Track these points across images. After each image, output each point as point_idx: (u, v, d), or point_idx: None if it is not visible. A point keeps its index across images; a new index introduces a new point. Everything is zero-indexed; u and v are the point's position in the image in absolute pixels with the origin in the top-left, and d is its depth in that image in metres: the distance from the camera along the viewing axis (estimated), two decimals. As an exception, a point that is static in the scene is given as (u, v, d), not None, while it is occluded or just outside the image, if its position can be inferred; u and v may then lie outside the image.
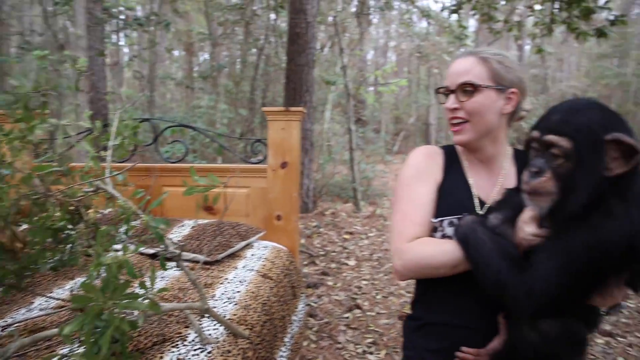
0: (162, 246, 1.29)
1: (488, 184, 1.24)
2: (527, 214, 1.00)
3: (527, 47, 16.41)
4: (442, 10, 5.57)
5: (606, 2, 4.00)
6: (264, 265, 2.12)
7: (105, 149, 1.49)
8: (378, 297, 3.97)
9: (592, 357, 2.96)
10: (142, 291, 1.11)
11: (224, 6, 7.37)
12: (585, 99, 0.95)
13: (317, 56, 8.69)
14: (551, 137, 0.91)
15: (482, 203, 1.20)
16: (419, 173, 1.22)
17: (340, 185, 8.50)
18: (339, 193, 8.19)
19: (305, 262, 4.90)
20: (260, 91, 7.98)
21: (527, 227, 0.99)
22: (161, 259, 1.24)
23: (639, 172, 0.88)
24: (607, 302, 0.97)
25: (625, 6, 17.69)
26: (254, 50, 8.31)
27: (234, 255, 2.22)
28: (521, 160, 1.27)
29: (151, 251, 2.09)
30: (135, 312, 1.30)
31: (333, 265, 4.83)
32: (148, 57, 7.44)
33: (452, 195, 1.20)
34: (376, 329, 3.30)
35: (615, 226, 0.83)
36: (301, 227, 6.10)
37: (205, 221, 2.42)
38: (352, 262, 4.92)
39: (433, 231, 1.18)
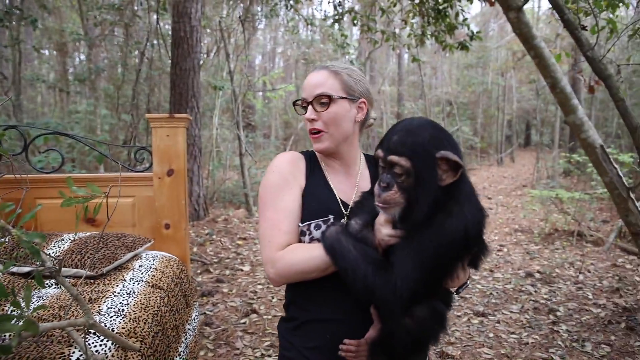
0: (38, 263, 1.22)
1: (348, 187, 1.34)
2: (382, 217, 1.13)
3: (406, 56, 17.65)
4: (324, 19, 5.81)
5: (464, 20, 4.52)
6: (154, 276, 2.07)
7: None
8: (274, 300, 4.03)
9: (469, 335, 3.31)
10: (15, 312, 1.05)
11: (100, 5, 6.93)
12: (418, 119, 1.12)
13: (204, 61, 8.54)
14: (393, 158, 1.06)
15: (344, 205, 1.29)
16: (284, 180, 1.27)
17: (232, 191, 8.43)
18: (230, 199, 8.11)
19: (198, 271, 4.80)
20: (145, 96, 7.62)
21: (384, 229, 1.11)
22: (37, 276, 1.17)
23: (465, 177, 1.10)
24: (456, 283, 1.15)
25: (484, 23, 19.86)
26: (137, 52, 7.92)
27: (121, 268, 2.13)
28: (372, 163, 1.41)
29: (26, 269, 1.93)
30: (7, 336, 1.21)
31: (227, 271, 4.80)
32: (11, 56, 6.71)
33: (316, 199, 1.28)
34: (273, 332, 3.35)
35: (454, 223, 1.01)
36: (193, 235, 5.95)
37: (87, 234, 2.28)
38: (246, 268, 4.92)
39: (301, 235, 1.24)
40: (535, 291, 4.20)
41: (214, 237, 5.97)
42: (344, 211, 1.27)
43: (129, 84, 8.28)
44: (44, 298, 1.72)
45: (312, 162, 1.37)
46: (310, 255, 1.14)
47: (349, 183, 1.35)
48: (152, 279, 2.03)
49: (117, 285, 1.87)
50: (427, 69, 18.64)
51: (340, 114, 1.26)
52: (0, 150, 1.42)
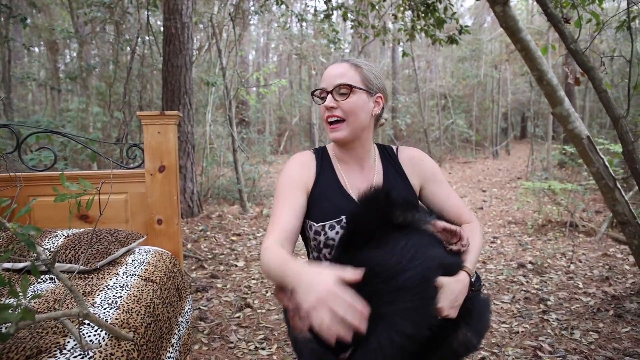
0: (34, 255, 1.27)
1: (361, 181, 1.41)
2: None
3: (400, 49, 17.68)
4: (314, 15, 5.85)
5: (453, 14, 4.58)
6: (147, 270, 2.12)
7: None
8: (268, 294, 4.09)
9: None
10: (12, 301, 1.10)
11: (90, 2, 6.94)
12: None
13: (196, 57, 8.56)
14: None
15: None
16: (291, 182, 1.35)
17: (226, 187, 8.47)
18: (225, 195, 8.16)
19: (193, 267, 4.85)
20: (137, 93, 7.64)
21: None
22: (32, 266, 1.22)
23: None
24: (452, 312, 1.15)
25: (478, 15, 19.89)
26: (128, 49, 7.93)
27: (114, 263, 2.19)
28: (386, 155, 1.49)
29: (20, 265, 1.98)
30: (4, 327, 1.26)
31: (222, 267, 4.85)
32: (1, 54, 6.72)
33: (327, 200, 1.35)
34: (267, 325, 3.42)
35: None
36: (187, 231, 6.00)
37: (81, 230, 2.33)
38: (241, 263, 4.98)
39: (316, 234, 1.33)
40: (527, 281, 4.28)
41: (208, 233, 6.02)
42: None
43: (120, 82, 8.30)
44: (39, 292, 1.77)
45: (324, 160, 1.44)
46: (275, 268, 1.06)
47: (363, 177, 1.42)
48: (145, 272, 2.08)
49: (111, 279, 1.93)
50: (421, 62, 18.70)
51: (359, 105, 1.33)
52: (-7, 148, 1.47)
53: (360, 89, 1.33)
